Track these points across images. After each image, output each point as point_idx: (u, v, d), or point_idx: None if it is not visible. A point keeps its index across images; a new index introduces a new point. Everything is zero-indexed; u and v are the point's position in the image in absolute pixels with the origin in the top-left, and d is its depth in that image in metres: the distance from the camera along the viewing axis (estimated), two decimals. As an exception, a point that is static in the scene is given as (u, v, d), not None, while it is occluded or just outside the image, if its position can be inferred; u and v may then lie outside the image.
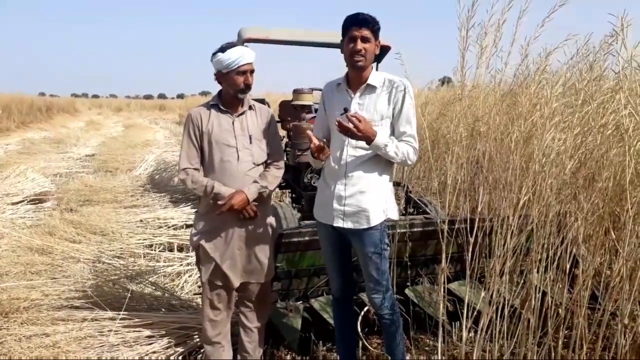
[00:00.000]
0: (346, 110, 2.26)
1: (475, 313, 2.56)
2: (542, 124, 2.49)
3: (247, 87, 2.46)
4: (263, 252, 2.56)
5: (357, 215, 2.30)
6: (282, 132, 4.91)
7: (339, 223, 2.32)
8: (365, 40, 2.21)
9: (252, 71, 2.46)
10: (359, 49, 2.21)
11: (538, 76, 2.73)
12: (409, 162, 2.32)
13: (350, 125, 2.13)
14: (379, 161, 2.30)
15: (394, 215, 2.39)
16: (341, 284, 2.55)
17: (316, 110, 4.61)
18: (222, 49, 2.40)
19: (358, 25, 2.21)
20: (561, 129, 2.55)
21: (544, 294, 2.57)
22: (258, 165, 2.54)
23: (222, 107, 2.51)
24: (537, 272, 2.57)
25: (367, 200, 2.28)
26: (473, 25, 2.55)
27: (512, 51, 2.68)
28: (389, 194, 2.37)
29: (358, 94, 2.31)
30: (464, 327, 2.57)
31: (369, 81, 2.29)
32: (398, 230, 2.93)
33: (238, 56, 2.39)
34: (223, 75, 2.44)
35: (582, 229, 2.56)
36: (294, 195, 4.95)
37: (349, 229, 2.31)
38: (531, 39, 2.66)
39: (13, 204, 6.38)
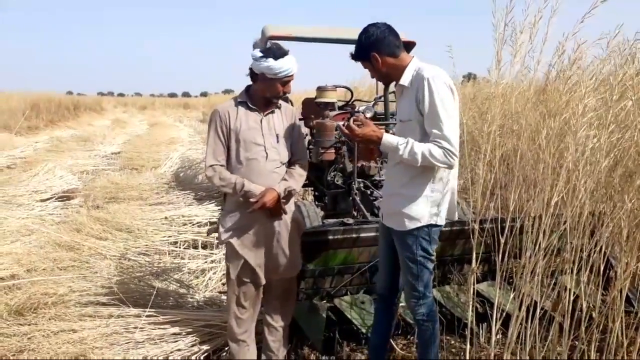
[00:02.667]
0: (351, 115, 2.27)
1: (504, 315, 2.50)
2: (576, 120, 2.40)
3: (284, 94, 2.49)
4: (291, 248, 2.56)
5: (392, 216, 2.29)
6: (305, 130, 4.89)
7: (383, 220, 2.38)
8: (366, 68, 2.32)
9: (291, 81, 2.49)
10: (372, 77, 2.40)
11: (570, 71, 2.64)
12: (439, 164, 2.10)
13: (346, 131, 2.20)
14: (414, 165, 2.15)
15: (440, 220, 2.25)
16: (385, 282, 2.52)
17: (340, 108, 4.58)
18: (275, 56, 2.37)
19: (355, 60, 2.32)
20: (595, 125, 2.46)
21: (577, 296, 2.49)
22: (284, 164, 2.54)
23: (250, 105, 2.50)
24: (570, 273, 2.49)
25: (399, 203, 2.22)
26: (510, 21, 2.48)
27: (545, 49, 2.61)
28: (431, 198, 2.20)
29: (399, 93, 2.33)
30: (492, 330, 2.50)
31: (400, 82, 2.24)
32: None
33: (288, 67, 2.40)
34: (266, 79, 2.42)
35: (618, 230, 2.47)
36: (316, 194, 4.93)
37: (390, 228, 2.31)
38: (569, 35, 2.58)
39: (42, 200, 6.52)
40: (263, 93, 2.48)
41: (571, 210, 2.41)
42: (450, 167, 2.14)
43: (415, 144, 2.11)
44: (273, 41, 2.58)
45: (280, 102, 2.61)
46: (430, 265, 2.28)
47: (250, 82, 2.53)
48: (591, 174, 2.40)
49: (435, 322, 2.36)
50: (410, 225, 2.20)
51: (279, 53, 2.39)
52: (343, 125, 2.28)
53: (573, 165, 2.39)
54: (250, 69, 2.46)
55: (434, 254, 2.28)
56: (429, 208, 2.20)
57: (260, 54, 2.38)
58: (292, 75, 2.45)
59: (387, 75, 2.29)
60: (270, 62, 2.36)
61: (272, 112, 2.53)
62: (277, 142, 2.51)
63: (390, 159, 2.35)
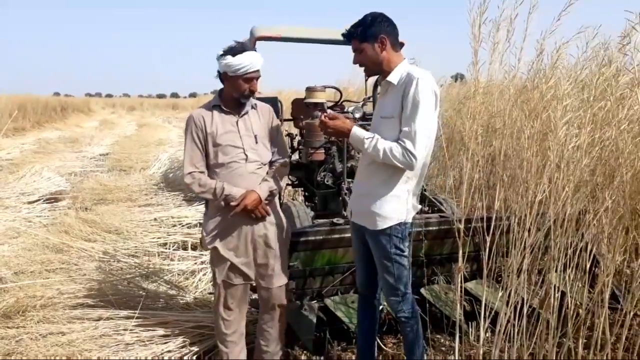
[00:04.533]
0: (321, 110, 2.31)
1: (492, 313, 2.52)
2: (557, 120, 2.43)
3: (252, 93, 2.44)
4: (277, 253, 2.55)
5: (364, 215, 2.31)
6: (295, 130, 4.89)
7: (352, 218, 2.39)
8: (357, 51, 2.27)
9: (258, 78, 2.43)
10: (354, 63, 2.29)
11: (551, 71, 2.67)
12: (398, 163, 2.12)
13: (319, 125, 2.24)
14: (386, 164, 2.18)
15: (410, 217, 2.28)
16: (363, 279, 2.54)
17: (329, 108, 4.59)
18: (233, 52, 2.35)
19: (348, 40, 2.28)
20: (576, 125, 2.49)
21: (563, 293, 2.52)
22: (265, 164, 2.53)
23: (224, 108, 2.48)
24: (556, 271, 2.52)
25: (371, 203, 2.25)
26: (485, 21, 2.51)
27: (525, 46, 2.63)
28: (402, 197, 2.25)
29: (383, 90, 2.32)
30: (481, 328, 2.53)
31: (389, 78, 2.24)
32: (413, 229, 2.89)
33: (248, 63, 2.35)
34: (229, 78, 2.41)
35: (602, 227, 2.51)
36: (306, 194, 4.93)
37: (361, 226, 2.33)
38: (547, 33, 2.61)
39: (29, 202, 6.46)
40: (230, 93, 2.45)
41: (555, 209, 2.44)
42: (409, 168, 2.15)
43: (380, 140, 2.14)
44: (238, 41, 2.47)
45: (257, 102, 2.58)
46: (406, 262, 2.29)
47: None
48: (573, 173, 2.43)
49: (418, 319, 2.38)
50: (383, 224, 2.23)
51: (237, 49, 2.36)
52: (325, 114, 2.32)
53: (555, 164, 2.42)
54: (218, 71, 2.44)
55: (407, 250, 2.30)
56: (399, 206, 2.23)
57: (220, 53, 2.37)
58: (254, 72, 2.39)
59: (379, 64, 2.24)
60: (229, 59, 2.34)
61: (247, 112, 2.51)
62: (256, 142, 2.48)
63: (362, 158, 2.37)
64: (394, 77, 2.22)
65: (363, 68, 2.30)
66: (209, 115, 2.46)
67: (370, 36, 2.21)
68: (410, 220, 2.30)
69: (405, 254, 2.29)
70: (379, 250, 2.29)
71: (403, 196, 2.24)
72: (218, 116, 2.46)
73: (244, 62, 2.34)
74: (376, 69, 2.27)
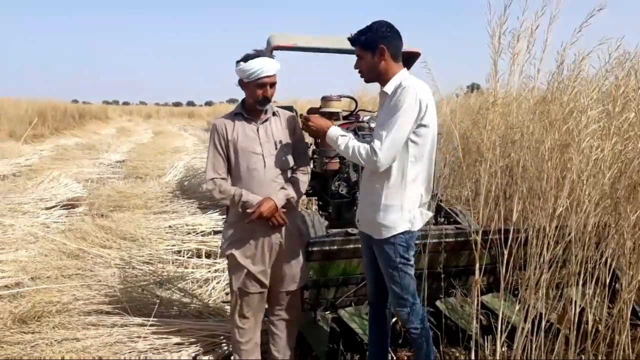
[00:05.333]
0: (309, 112, 2.39)
1: (509, 327, 2.48)
2: (579, 131, 2.40)
3: (265, 99, 2.44)
4: (294, 260, 2.55)
5: (369, 224, 2.33)
6: (310, 139, 4.90)
7: (360, 227, 2.43)
8: (358, 57, 2.32)
9: (272, 84, 2.43)
10: (355, 68, 2.35)
11: (572, 82, 2.64)
12: (362, 161, 2.18)
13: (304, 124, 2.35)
14: (386, 171, 2.20)
15: (414, 226, 2.27)
16: (373, 288, 2.54)
17: (344, 117, 4.59)
18: (245, 58, 2.38)
19: (353, 46, 2.33)
20: (598, 136, 2.46)
21: (582, 308, 2.47)
22: (285, 171, 2.53)
23: (245, 115, 2.50)
24: (575, 286, 2.48)
25: (374, 213, 2.26)
26: (505, 31, 2.49)
27: (545, 57, 2.61)
28: (406, 206, 2.23)
29: (381, 101, 2.37)
30: (497, 342, 2.49)
31: (384, 88, 2.28)
32: (430, 241, 2.87)
33: (259, 68, 2.36)
34: (245, 84, 2.44)
35: (623, 242, 2.46)
36: (320, 203, 4.92)
37: (368, 235, 2.35)
38: (567, 45, 2.58)
39: (47, 208, 6.55)
40: (249, 100, 2.48)
41: (576, 222, 2.40)
42: (373, 166, 2.17)
43: (351, 140, 2.23)
44: (256, 49, 2.49)
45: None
46: (411, 271, 2.29)
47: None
48: (595, 186, 2.39)
49: (428, 330, 2.36)
50: (387, 233, 2.24)
51: (251, 56, 2.38)
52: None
53: (577, 176, 2.38)
54: (238, 80, 2.48)
55: (413, 259, 2.29)
56: (403, 215, 2.24)
57: (237, 60, 2.41)
58: (267, 77, 2.39)
59: (378, 73, 2.28)
60: (241, 65, 2.38)
61: (268, 119, 2.52)
62: (276, 149, 2.49)
63: (365, 169, 2.38)
64: (389, 88, 2.25)
65: (360, 74, 2.35)
66: (231, 122, 2.49)
67: (370, 45, 2.25)
68: (415, 230, 2.29)
69: (411, 262, 2.29)
70: (384, 260, 2.29)
71: (406, 205, 2.24)
72: (240, 124, 2.49)
73: (255, 67, 2.36)
74: (372, 76, 2.32)
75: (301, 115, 2.53)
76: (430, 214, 2.39)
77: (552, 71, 2.75)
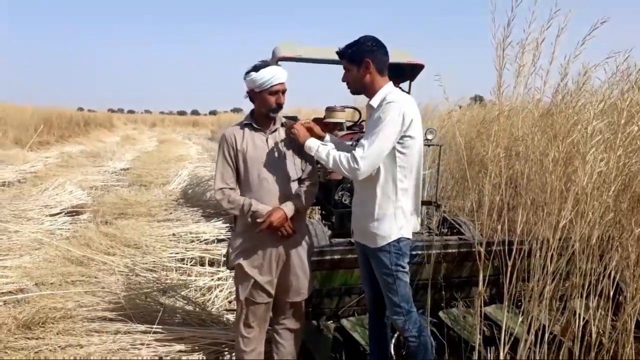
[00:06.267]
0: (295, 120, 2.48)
1: (512, 339, 2.48)
2: (584, 143, 2.41)
3: (279, 106, 2.48)
4: (301, 271, 2.55)
5: (363, 234, 2.38)
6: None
7: (355, 237, 2.48)
8: (346, 70, 2.37)
9: (284, 91, 2.48)
10: (342, 81, 2.41)
11: (577, 95, 2.66)
12: (344, 170, 2.22)
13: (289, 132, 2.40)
14: (377, 181, 2.26)
15: (406, 233, 2.31)
16: (371, 296, 2.56)
17: (348, 128, 4.62)
18: (256, 68, 2.42)
19: (340, 59, 2.38)
20: (603, 149, 2.47)
21: (586, 321, 2.47)
22: (293, 181, 2.54)
23: (255, 126, 2.53)
24: (579, 298, 2.47)
25: (368, 223, 2.31)
26: (510, 44, 2.51)
27: (551, 69, 2.62)
28: (398, 214, 2.28)
29: (368, 114, 2.42)
30: (500, 353, 2.48)
31: (371, 102, 2.34)
32: (433, 251, 2.88)
33: (271, 76, 2.40)
34: (256, 94, 2.46)
35: (627, 254, 2.47)
36: (323, 212, 4.94)
37: (362, 244, 2.39)
38: (571, 57, 2.60)
39: (51, 215, 6.57)
40: (260, 110, 2.51)
41: (580, 234, 2.41)
42: (352, 175, 2.21)
43: (332, 149, 2.29)
44: (262, 60, 2.54)
45: (287, 120, 2.63)
46: (406, 278, 2.31)
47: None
48: (599, 198, 2.40)
49: (426, 337, 2.37)
50: (382, 242, 2.28)
51: (260, 66, 2.43)
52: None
53: (581, 189, 2.39)
54: (246, 91, 2.51)
55: (407, 266, 2.33)
56: (395, 224, 2.28)
57: (246, 71, 2.45)
58: (279, 84, 2.43)
59: (364, 86, 2.34)
60: (252, 75, 2.41)
61: (277, 129, 2.55)
62: (285, 159, 2.52)
63: (357, 181, 2.39)
64: (374, 101, 2.31)
65: (347, 86, 2.41)
66: (240, 133, 2.52)
67: (356, 58, 2.31)
68: (409, 236, 2.33)
69: (406, 270, 2.32)
70: (380, 267, 2.32)
71: (398, 214, 2.29)
72: (249, 134, 2.51)
73: (266, 75, 2.40)
74: (358, 89, 2.38)
75: (286, 122, 2.58)
76: (418, 226, 2.43)
77: (557, 84, 2.77)
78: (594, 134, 2.39)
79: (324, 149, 2.30)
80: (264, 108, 2.48)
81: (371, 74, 2.30)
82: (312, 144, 2.33)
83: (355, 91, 2.40)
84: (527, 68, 2.61)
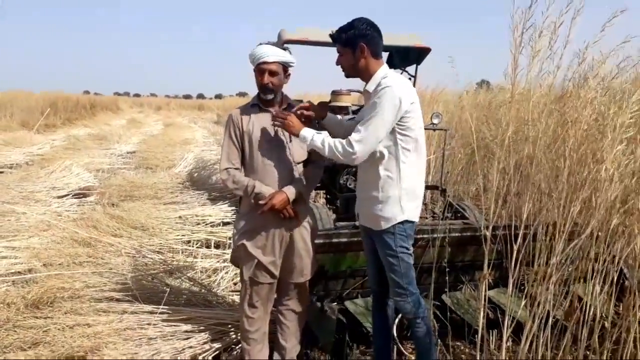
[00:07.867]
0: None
1: (515, 322, 2.49)
2: (613, 129, 2.36)
3: (264, 86, 2.45)
4: (304, 252, 2.57)
5: (368, 217, 2.38)
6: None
7: (359, 221, 2.48)
8: (340, 54, 2.35)
9: (271, 72, 2.42)
10: (336, 64, 2.38)
11: (592, 81, 2.61)
12: (340, 156, 2.21)
13: (277, 123, 2.37)
14: (380, 164, 2.26)
15: (411, 216, 2.31)
16: (375, 277, 2.57)
17: (354, 112, 4.61)
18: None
19: (334, 43, 2.36)
20: (627, 140, 2.43)
21: (589, 306, 2.48)
22: (298, 164, 2.55)
23: (262, 107, 2.52)
24: (583, 282, 2.48)
25: (372, 206, 2.31)
26: (530, 26, 2.46)
27: (565, 53, 2.58)
28: (404, 197, 2.28)
29: (365, 98, 2.41)
30: (503, 337, 2.50)
31: (367, 86, 2.33)
32: (437, 235, 2.88)
33: (260, 54, 2.40)
34: (254, 73, 2.48)
35: (633, 240, 2.45)
36: (328, 197, 4.95)
37: (367, 227, 2.40)
38: (590, 43, 2.55)
39: (59, 197, 6.63)
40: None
41: (597, 221, 2.38)
42: (348, 160, 2.22)
43: (327, 137, 2.28)
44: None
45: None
46: (411, 260, 2.32)
47: None
48: (614, 187, 2.36)
49: (428, 319, 2.38)
50: (386, 224, 2.28)
51: (261, 44, 2.43)
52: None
53: (604, 176, 2.35)
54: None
55: (412, 248, 2.34)
56: (399, 206, 2.27)
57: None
58: (264, 64, 2.39)
59: (359, 70, 2.32)
60: (250, 51, 2.43)
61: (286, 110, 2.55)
62: (290, 141, 2.52)
63: (360, 164, 2.39)
64: (370, 86, 2.30)
65: (342, 70, 2.38)
66: (247, 114, 2.52)
67: (350, 42, 2.28)
68: (414, 219, 2.33)
69: (411, 252, 2.33)
70: (384, 249, 2.33)
71: (404, 197, 2.28)
72: (255, 115, 2.51)
73: (257, 53, 2.41)
74: (352, 73, 2.36)
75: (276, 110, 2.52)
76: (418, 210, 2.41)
77: (572, 68, 2.71)
78: (622, 125, 2.34)
79: (318, 137, 2.28)
80: (257, 88, 2.49)
81: (366, 57, 2.28)
82: (307, 134, 2.31)
83: (349, 75, 2.39)
84: (543, 52, 2.57)
